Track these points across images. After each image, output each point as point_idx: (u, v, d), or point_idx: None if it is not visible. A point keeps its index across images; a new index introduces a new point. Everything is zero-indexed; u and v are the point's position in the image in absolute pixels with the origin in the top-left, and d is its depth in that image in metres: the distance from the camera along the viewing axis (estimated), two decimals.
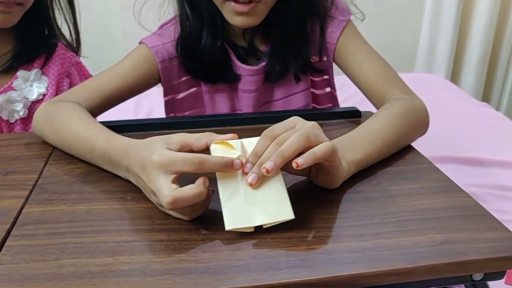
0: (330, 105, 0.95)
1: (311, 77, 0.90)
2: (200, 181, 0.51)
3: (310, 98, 0.91)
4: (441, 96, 1.70)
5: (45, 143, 0.73)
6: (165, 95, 0.88)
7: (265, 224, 0.51)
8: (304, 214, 0.54)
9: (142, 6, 0.82)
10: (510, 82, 2.13)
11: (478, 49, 2.07)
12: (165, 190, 0.50)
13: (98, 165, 0.65)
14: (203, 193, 0.51)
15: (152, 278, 0.44)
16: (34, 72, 0.92)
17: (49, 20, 0.95)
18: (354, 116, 0.81)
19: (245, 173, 0.52)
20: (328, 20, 0.83)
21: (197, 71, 0.85)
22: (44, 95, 0.92)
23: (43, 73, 0.93)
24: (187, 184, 0.50)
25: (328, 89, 0.94)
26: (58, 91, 0.93)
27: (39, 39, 0.94)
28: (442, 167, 0.72)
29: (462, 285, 0.58)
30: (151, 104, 1.59)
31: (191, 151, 0.54)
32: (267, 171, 0.50)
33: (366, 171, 0.64)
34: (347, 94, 1.44)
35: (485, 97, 2.20)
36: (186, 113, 0.90)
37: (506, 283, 0.91)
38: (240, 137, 0.57)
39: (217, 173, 0.53)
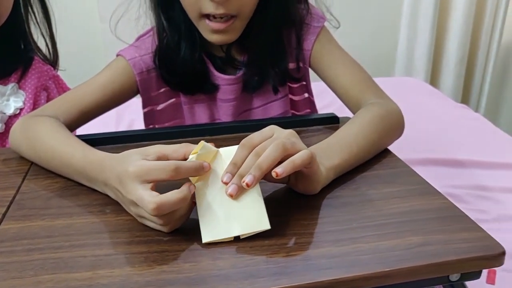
0: (309, 110, 0.96)
1: (289, 84, 0.90)
2: (184, 186, 0.51)
3: (289, 104, 0.91)
4: (421, 99, 1.73)
5: (22, 158, 0.72)
6: (144, 107, 0.88)
7: (242, 235, 0.51)
8: (283, 221, 0.54)
9: (119, 20, 0.82)
10: (488, 83, 2.17)
11: (455, 51, 2.10)
12: (147, 197, 0.50)
13: (74, 180, 0.64)
14: (187, 197, 0.51)
15: None
16: (11, 86, 0.91)
17: (24, 34, 0.94)
18: (332, 122, 0.82)
19: (224, 183, 0.53)
20: (303, 28, 0.84)
21: (175, 83, 0.85)
22: (21, 109, 0.92)
23: (20, 87, 0.93)
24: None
25: (306, 95, 0.95)
26: (35, 105, 0.93)
27: (15, 53, 0.93)
28: (422, 169, 0.73)
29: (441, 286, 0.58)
30: (132, 114, 1.58)
31: None
32: (247, 185, 0.51)
33: (344, 176, 0.64)
34: (327, 100, 1.45)
35: (464, 99, 2.23)
36: (165, 124, 0.90)
37: (487, 282, 0.93)
38: (219, 146, 0.57)
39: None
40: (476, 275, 0.50)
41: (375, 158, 0.70)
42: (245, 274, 0.46)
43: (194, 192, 0.53)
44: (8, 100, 0.91)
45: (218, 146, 0.57)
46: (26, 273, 0.47)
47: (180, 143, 0.57)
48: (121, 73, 0.81)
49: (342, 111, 0.90)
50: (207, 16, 0.74)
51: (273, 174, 0.51)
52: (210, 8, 0.72)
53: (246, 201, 0.52)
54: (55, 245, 0.51)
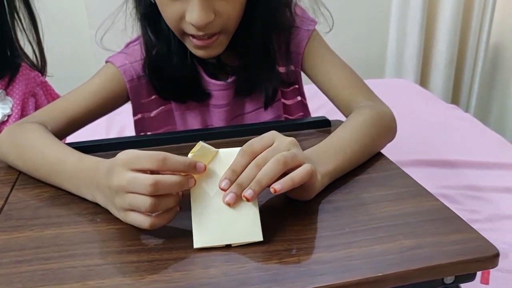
0: (301, 114, 0.96)
1: (281, 88, 0.90)
2: (182, 175, 0.51)
3: (281, 109, 0.91)
4: (411, 100, 1.73)
5: (11, 168, 0.71)
6: (134, 115, 0.87)
7: (233, 243, 0.51)
8: (275, 227, 0.54)
9: (106, 31, 0.81)
10: (477, 83, 2.18)
11: (444, 53, 2.11)
12: (142, 176, 0.50)
13: (64, 188, 0.64)
14: (183, 184, 0.51)
15: None
16: None
17: (11, 41, 0.93)
18: (324, 125, 0.82)
19: (221, 189, 0.52)
20: (293, 31, 0.84)
21: (166, 92, 0.84)
22: (9, 116, 0.91)
23: (7, 94, 0.92)
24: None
25: (298, 98, 0.94)
26: (23, 111, 0.92)
27: (1, 60, 0.92)
28: (414, 171, 0.73)
29: None
30: (123, 121, 1.57)
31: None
32: (247, 199, 0.51)
33: (336, 180, 0.64)
34: (319, 103, 1.45)
35: (454, 99, 2.25)
36: (157, 131, 0.90)
37: (481, 282, 0.93)
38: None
39: (191, 188, 0.53)
40: (470, 277, 0.50)
41: (367, 161, 0.70)
42: (237, 282, 0.45)
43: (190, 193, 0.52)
44: None
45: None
46: (14, 285, 0.46)
47: (172, 149, 0.56)
48: (111, 80, 0.81)
49: (334, 113, 0.90)
50: (191, 34, 0.73)
51: (271, 190, 0.51)
52: (192, 30, 0.72)
53: (242, 210, 0.52)
54: (44, 256, 0.51)
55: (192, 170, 0.52)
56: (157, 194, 0.50)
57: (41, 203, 0.62)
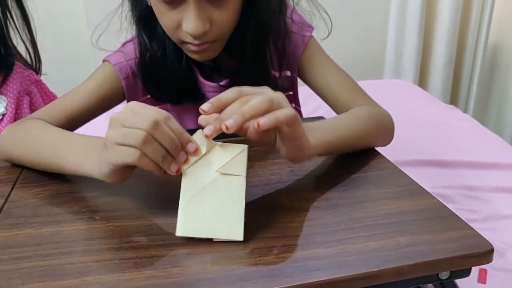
0: None
1: None
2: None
3: None
4: (410, 101, 1.74)
5: (11, 167, 0.72)
6: None
7: (215, 239, 0.52)
8: (272, 224, 0.54)
9: (102, 33, 0.82)
10: (476, 84, 2.18)
11: (443, 53, 2.12)
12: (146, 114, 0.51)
13: (67, 169, 0.64)
14: (177, 146, 0.52)
15: None
16: None
17: (4, 39, 0.93)
18: None
19: (202, 110, 0.53)
20: (289, 37, 0.84)
21: (160, 93, 0.84)
22: (3, 114, 0.91)
23: (1, 93, 0.92)
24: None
25: (293, 105, 0.95)
26: (18, 109, 0.92)
27: None
28: (412, 170, 0.73)
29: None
30: None
31: None
32: (227, 128, 0.51)
33: (332, 178, 0.65)
34: (313, 107, 1.46)
35: (453, 100, 2.25)
36: None
37: (478, 281, 0.94)
38: None
39: (183, 174, 0.53)
40: (465, 272, 0.50)
41: (363, 159, 0.70)
42: (234, 278, 0.46)
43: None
44: None
45: None
46: (13, 281, 0.47)
47: None
48: (107, 78, 0.81)
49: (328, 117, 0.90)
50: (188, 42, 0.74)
51: (254, 123, 0.51)
52: (188, 38, 0.72)
53: (229, 207, 0.52)
54: (43, 253, 0.51)
55: (184, 143, 0.52)
56: (153, 135, 0.50)
57: (41, 202, 0.62)
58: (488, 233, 0.54)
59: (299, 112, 0.96)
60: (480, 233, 0.52)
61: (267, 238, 0.52)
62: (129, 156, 0.51)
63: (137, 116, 0.51)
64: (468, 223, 0.54)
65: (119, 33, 0.83)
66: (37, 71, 0.99)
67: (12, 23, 0.94)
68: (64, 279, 0.47)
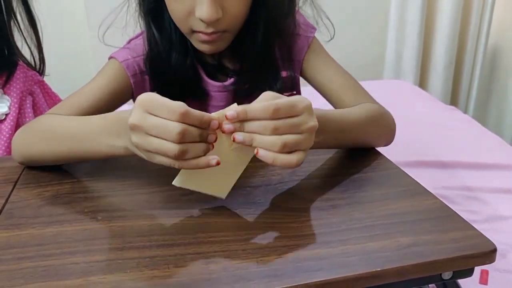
0: None
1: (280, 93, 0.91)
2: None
3: None
4: (410, 101, 1.74)
5: (13, 168, 0.72)
6: None
7: (202, 192, 0.57)
8: (273, 224, 0.55)
9: (107, 29, 0.82)
10: (476, 85, 2.19)
11: (443, 55, 2.12)
12: (171, 123, 0.50)
13: (90, 155, 0.64)
14: (205, 135, 0.53)
15: None
16: None
17: (8, 40, 0.94)
18: None
19: (226, 116, 0.53)
20: (294, 38, 0.84)
21: (166, 90, 0.84)
22: (6, 114, 0.91)
23: (4, 92, 0.92)
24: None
25: None
26: (21, 109, 0.92)
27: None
28: (412, 171, 0.74)
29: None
30: None
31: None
32: (233, 140, 0.53)
33: (332, 179, 0.65)
34: (316, 106, 1.46)
35: (453, 101, 2.25)
36: None
37: (480, 282, 0.94)
38: None
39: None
40: (468, 272, 0.50)
41: (364, 160, 0.71)
42: (236, 277, 0.46)
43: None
44: None
45: None
46: (16, 281, 0.47)
47: None
48: (115, 75, 0.81)
49: None
50: (199, 31, 0.74)
51: (255, 150, 0.53)
52: (200, 27, 0.72)
53: (228, 170, 0.56)
54: (46, 253, 0.51)
55: (206, 126, 0.53)
56: (185, 140, 0.51)
57: (42, 202, 0.62)
58: (489, 234, 0.54)
59: None
60: None
61: (269, 238, 0.52)
62: (172, 164, 0.53)
63: (160, 127, 0.51)
64: None
65: (123, 30, 0.83)
66: (41, 72, 0.99)
67: (17, 25, 0.94)
68: (67, 279, 0.47)
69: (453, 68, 2.16)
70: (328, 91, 0.84)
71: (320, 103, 1.27)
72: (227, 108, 0.54)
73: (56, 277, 0.47)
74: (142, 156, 0.56)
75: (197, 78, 0.84)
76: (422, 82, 2.22)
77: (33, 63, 0.98)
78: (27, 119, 0.93)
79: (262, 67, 0.82)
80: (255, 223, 0.56)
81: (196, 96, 0.85)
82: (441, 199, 0.60)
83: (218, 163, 0.53)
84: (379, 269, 0.46)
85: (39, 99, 0.96)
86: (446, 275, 0.50)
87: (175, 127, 0.50)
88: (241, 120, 0.53)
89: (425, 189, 0.62)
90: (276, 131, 0.52)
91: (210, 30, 0.72)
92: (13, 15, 0.93)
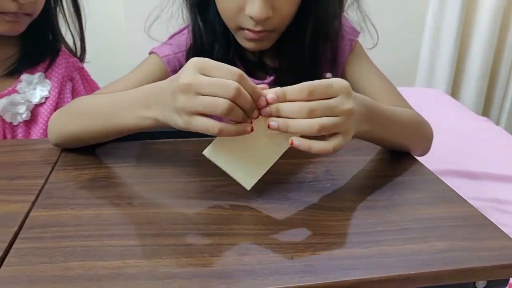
0: None
1: None
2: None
3: None
4: (442, 110, 1.72)
5: (51, 149, 0.74)
6: None
7: (228, 173, 0.58)
8: (308, 221, 0.55)
9: (153, 22, 0.83)
10: (510, 97, 2.15)
11: (478, 65, 2.09)
12: (227, 80, 0.51)
13: (123, 127, 0.64)
14: (253, 107, 0.53)
15: (160, 281, 0.45)
16: (38, 75, 0.93)
17: (53, 26, 0.96)
18: None
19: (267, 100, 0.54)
20: (339, 41, 0.85)
21: None
22: (46, 98, 0.93)
23: (46, 77, 0.94)
24: None
25: None
26: (60, 94, 0.94)
27: (43, 44, 0.95)
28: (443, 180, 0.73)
29: None
30: None
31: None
32: (268, 126, 0.54)
33: (368, 180, 0.65)
34: None
35: (485, 112, 2.22)
36: None
37: None
38: None
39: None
40: (503, 283, 0.50)
41: (400, 164, 0.70)
42: (270, 271, 0.46)
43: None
44: (34, 88, 0.92)
45: None
46: (56, 258, 0.48)
47: (206, 141, 0.58)
48: (155, 69, 0.82)
49: None
50: (246, 28, 0.75)
51: (289, 140, 0.54)
52: (249, 25, 0.73)
53: (259, 158, 0.57)
54: (84, 233, 0.52)
55: (255, 98, 0.53)
56: (236, 102, 0.51)
57: (80, 185, 0.64)
58: None
59: None
60: None
61: (303, 234, 0.52)
62: (213, 126, 0.53)
63: (217, 83, 0.51)
64: None
65: (164, 26, 0.84)
66: (81, 59, 1.01)
67: (62, 11, 0.96)
68: (105, 260, 0.48)
69: (488, 79, 2.13)
70: (368, 94, 0.84)
71: None
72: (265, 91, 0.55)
73: (95, 257, 0.48)
74: (177, 123, 0.55)
75: None
76: (454, 91, 2.19)
77: (74, 49, 1.00)
78: (66, 104, 0.95)
79: (304, 66, 0.82)
80: (289, 219, 0.56)
81: None
82: None
83: (252, 129, 0.54)
84: (414, 272, 0.46)
85: (79, 85, 0.98)
86: (480, 284, 0.49)
87: (233, 83, 0.51)
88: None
89: (460, 196, 0.62)
90: (311, 113, 0.52)
91: (258, 28, 0.73)
92: (59, 2, 0.95)
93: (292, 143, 0.54)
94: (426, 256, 0.49)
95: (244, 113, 0.54)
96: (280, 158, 0.58)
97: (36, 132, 0.93)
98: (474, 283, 0.49)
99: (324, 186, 0.64)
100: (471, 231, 0.54)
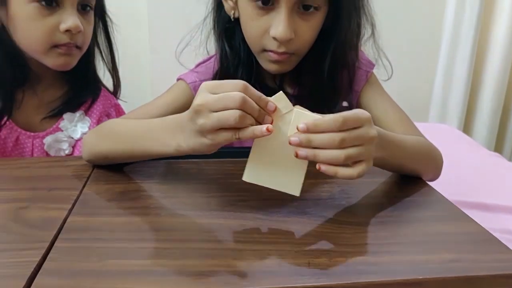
0: None
1: None
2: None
3: None
4: (454, 145, 1.75)
5: (84, 165, 0.79)
6: None
7: (274, 188, 0.60)
8: (323, 232, 0.59)
9: (183, 49, 0.90)
10: None
11: (490, 101, 2.13)
12: (231, 93, 0.56)
13: (148, 151, 0.69)
14: (262, 113, 0.58)
15: (188, 277, 0.49)
16: (79, 114, 1.00)
17: (94, 68, 1.03)
18: None
19: (297, 128, 0.58)
20: (355, 71, 0.91)
21: None
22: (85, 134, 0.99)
23: (86, 114, 1.01)
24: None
25: None
26: None
27: (86, 87, 1.02)
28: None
29: None
30: None
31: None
32: (296, 155, 0.58)
33: (381, 200, 0.69)
34: None
35: (497, 148, 2.24)
36: None
37: None
38: None
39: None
40: None
41: (410, 186, 0.74)
42: (290, 272, 0.50)
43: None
44: (75, 125, 0.99)
45: None
46: (93, 257, 0.52)
47: (226, 162, 0.63)
48: (181, 95, 0.88)
49: None
50: (270, 50, 0.81)
51: (317, 165, 0.58)
52: (272, 46, 0.79)
53: (294, 165, 0.59)
54: (117, 237, 0.57)
55: (263, 105, 0.58)
56: (243, 109, 0.56)
57: (112, 196, 0.69)
58: None
59: None
60: None
61: (320, 243, 0.56)
62: (231, 135, 0.58)
63: (223, 98, 0.57)
64: None
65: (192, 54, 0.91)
66: (117, 96, 1.08)
67: (99, 52, 1.03)
68: (138, 259, 0.52)
69: (500, 115, 2.16)
70: (382, 123, 0.89)
71: None
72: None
73: (128, 257, 0.53)
74: (204, 144, 0.60)
75: None
76: (467, 127, 2.22)
77: (110, 87, 1.06)
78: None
79: (324, 94, 0.88)
80: (307, 230, 0.60)
81: None
82: None
83: (268, 130, 0.57)
84: (422, 277, 0.49)
85: None
86: None
87: (237, 93, 0.56)
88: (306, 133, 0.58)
89: (467, 215, 0.65)
90: (342, 143, 0.57)
91: (281, 49, 0.79)
92: (96, 42, 1.02)
93: (319, 168, 0.58)
94: (434, 265, 0.52)
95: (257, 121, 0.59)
96: None
97: None
98: None
99: (339, 203, 0.68)
100: (478, 245, 0.57)
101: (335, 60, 0.85)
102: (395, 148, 0.70)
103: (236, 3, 0.82)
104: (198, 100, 0.58)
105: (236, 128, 0.57)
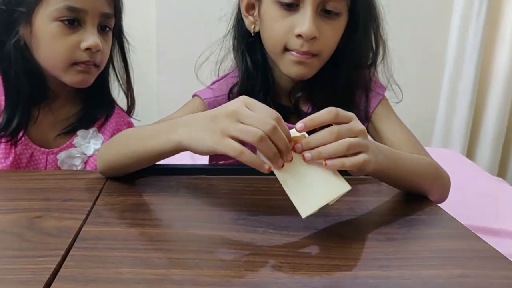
0: None
1: None
2: None
3: None
4: (457, 170, 1.74)
5: (97, 178, 0.81)
6: None
7: (331, 201, 0.61)
8: (333, 248, 0.60)
9: (202, 63, 0.92)
10: None
11: (493, 126, 2.15)
12: (268, 117, 0.59)
13: (157, 150, 0.70)
14: (289, 146, 0.61)
15: (203, 287, 0.50)
16: (92, 130, 1.02)
17: (108, 87, 1.05)
18: None
19: (297, 130, 0.61)
20: (370, 92, 0.93)
21: None
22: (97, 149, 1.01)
23: (99, 131, 1.03)
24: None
25: None
26: None
27: (100, 105, 1.04)
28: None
29: None
30: None
31: None
32: (303, 158, 0.60)
33: (389, 217, 0.70)
34: None
35: (500, 173, 2.25)
36: (227, 162, 0.98)
37: None
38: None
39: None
40: None
41: (417, 205, 0.75)
42: (300, 284, 0.51)
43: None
44: (89, 142, 1.01)
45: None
46: (108, 265, 0.54)
47: (235, 179, 0.64)
48: (196, 110, 0.90)
49: None
50: (293, 50, 0.83)
51: (323, 162, 0.60)
52: (296, 45, 0.82)
53: (321, 171, 0.61)
54: (132, 246, 0.58)
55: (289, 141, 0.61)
56: (271, 137, 0.58)
57: (125, 208, 0.70)
58: None
59: None
60: None
61: (329, 258, 0.57)
62: (235, 148, 0.59)
63: (257, 118, 0.59)
64: None
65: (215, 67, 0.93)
66: (131, 114, 1.10)
67: (114, 72, 1.05)
68: (153, 268, 0.53)
69: (503, 140, 2.18)
70: (391, 143, 0.90)
71: None
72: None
73: (142, 266, 0.54)
74: (204, 141, 0.62)
75: None
76: (470, 152, 2.24)
77: (124, 106, 1.09)
78: None
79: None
80: (316, 245, 0.61)
81: None
82: None
83: (269, 170, 0.60)
84: None
85: None
86: None
87: (271, 121, 0.58)
88: (308, 128, 0.61)
89: (474, 234, 0.67)
90: (340, 135, 0.60)
91: (304, 48, 0.81)
92: (111, 61, 1.04)
93: (325, 165, 0.60)
94: (443, 280, 0.53)
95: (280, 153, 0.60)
96: None
97: None
98: None
99: (347, 220, 0.69)
100: (485, 262, 0.58)
101: (349, 78, 0.87)
102: (399, 160, 0.72)
103: (256, 16, 0.85)
104: (233, 106, 0.61)
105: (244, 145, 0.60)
